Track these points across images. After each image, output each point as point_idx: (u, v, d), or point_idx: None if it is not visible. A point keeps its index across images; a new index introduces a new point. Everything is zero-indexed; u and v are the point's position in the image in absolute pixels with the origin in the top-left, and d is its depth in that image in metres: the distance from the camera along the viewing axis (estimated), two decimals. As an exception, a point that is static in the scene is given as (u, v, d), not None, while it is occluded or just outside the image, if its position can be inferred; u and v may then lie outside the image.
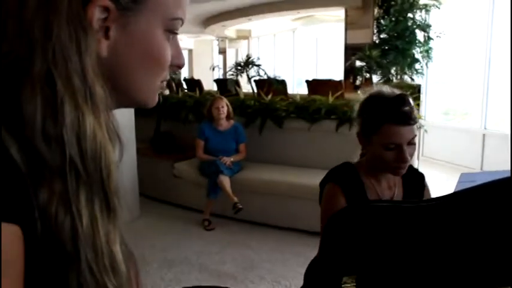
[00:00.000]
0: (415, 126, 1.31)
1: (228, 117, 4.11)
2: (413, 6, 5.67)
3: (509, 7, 4.29)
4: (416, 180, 1.47)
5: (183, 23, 0.54)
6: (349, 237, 0.66)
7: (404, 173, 1.35)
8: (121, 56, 0.48)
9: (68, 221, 0.41)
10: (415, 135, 1.31)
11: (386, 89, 1.37)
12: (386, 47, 5.70)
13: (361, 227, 0.66)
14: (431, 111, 6.23)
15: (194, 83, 7.74)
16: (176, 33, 0.53)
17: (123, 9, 0.47)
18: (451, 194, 0.68)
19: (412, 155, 1.31)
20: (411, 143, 1.30)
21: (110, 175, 0.44)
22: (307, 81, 6.42)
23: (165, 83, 0.56)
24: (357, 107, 1.41)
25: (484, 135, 5.62)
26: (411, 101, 1.33)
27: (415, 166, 4.30)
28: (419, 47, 5.67)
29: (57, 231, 0.41)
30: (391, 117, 1.28)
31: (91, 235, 0.42)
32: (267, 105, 4.33)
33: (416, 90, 4.73)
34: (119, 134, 0.48)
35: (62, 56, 0.42)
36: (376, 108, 1.32)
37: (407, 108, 1.29)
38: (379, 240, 0.66)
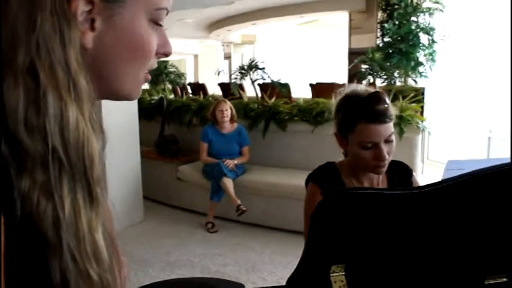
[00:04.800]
0: (391, 124, 1.29)
1: (231, 120, 4.13)
2: (416, 9, 5.66)
3: (510, 9, 4.27)
4: (403, 176, 1.44)
5: (168, 12, 0.55)
6: (336, 224, 0.66)
7: (386, 170, 1.33)
8: (107, 47, 0.49)
9: (49, 209, 0.41)
10: (392, 133, 1.30)
11: (360, 88, 1.36)
12: (390, 51, 5.70)
13: (346, 214, 0.66)
14: (436, 113, 6.20)
15: (199, 87, 7.78)
16: (160, 25, 0.54)
17: (108, 1, 0.48)
18: (438, 181, 0.68)
19: (390, 153, 1.30)
20: (388, 140, 1.29)
21: (93, 164, 0.44)
22: (310, 85, 6.42)
23: (149, 75, 0.57)
24: (333, 107, 1.40)
25: (489, 138, 5.59)
26: (387, 98, 1.31)
27: (420, 169, 4.28)
28: (423, 50, 5.66)
29: (39, 219, 0.41)
30: (365, 116, 1.27)
31: (73, 223, 0.42)
32: (271, 108, 4.34)
33: (420, 93, 4.72)
34: (102, 125, 0.48)
35: (46, 47, 0.42)
36: (350, 108, 1.31)
37: (381, 106, 1.28)
38: (365, 228, 0.66)
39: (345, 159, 1.43)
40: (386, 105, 1.29)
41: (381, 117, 1.27)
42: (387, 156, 1.28)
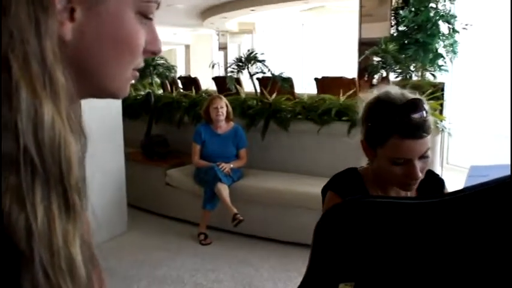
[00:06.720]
0: (428, 138, 1.25)
1: (227, 119, 4.13)
2: (436, -6, 5.68)
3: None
4: (433, 187, 1.41)
5: (158, 6, 0.55)
6: (344, 237, 0.66)
7: (416, 187, 1.30)
8: (88, 40, 0.49)
9: (22, 218, 0.41)
10: (429, 148, 1.25)
11: (396, 91, 1.30)
12: (406, 41, 5.70)
13: (356, 225, 0.66)
14: (457, 112, 6.21)
15: (190, 82, 7.78)
16: (150, 18, 0.54)
17: None
18: (460, 190, 0.68)
19: (424, 170, 1.26)
20: (424, 156, 1.25)
21: (70, 169, 0.44)
22: (316, 79, 6.43)
23: (137, 72, 0.57)
24: (361, 109, 1.36)
25: (515, 140, 5.60)
26: (425, 106, 1.26)
27: (439, 175, 4.28)
28: (443, 40, 5.66)
29: (11, 228, 0.41)
30: (399, 129, 1.22)
31: (46, 234, 0.42)
32: (271, 105, 4.35)
33: (439, 88, 4.73)
34: (82, 125, 0.48)
35: (20, 38, 0.42)
36: (382, 117, 1.26)
37: (419, 117, 1.22)
38: (377, 241, 0.66)
39: (369, 166, 1.39)
40: (425, 116, 1.24)
41: (419, 131, 1.22)
42: (420, 174, 1.24)
